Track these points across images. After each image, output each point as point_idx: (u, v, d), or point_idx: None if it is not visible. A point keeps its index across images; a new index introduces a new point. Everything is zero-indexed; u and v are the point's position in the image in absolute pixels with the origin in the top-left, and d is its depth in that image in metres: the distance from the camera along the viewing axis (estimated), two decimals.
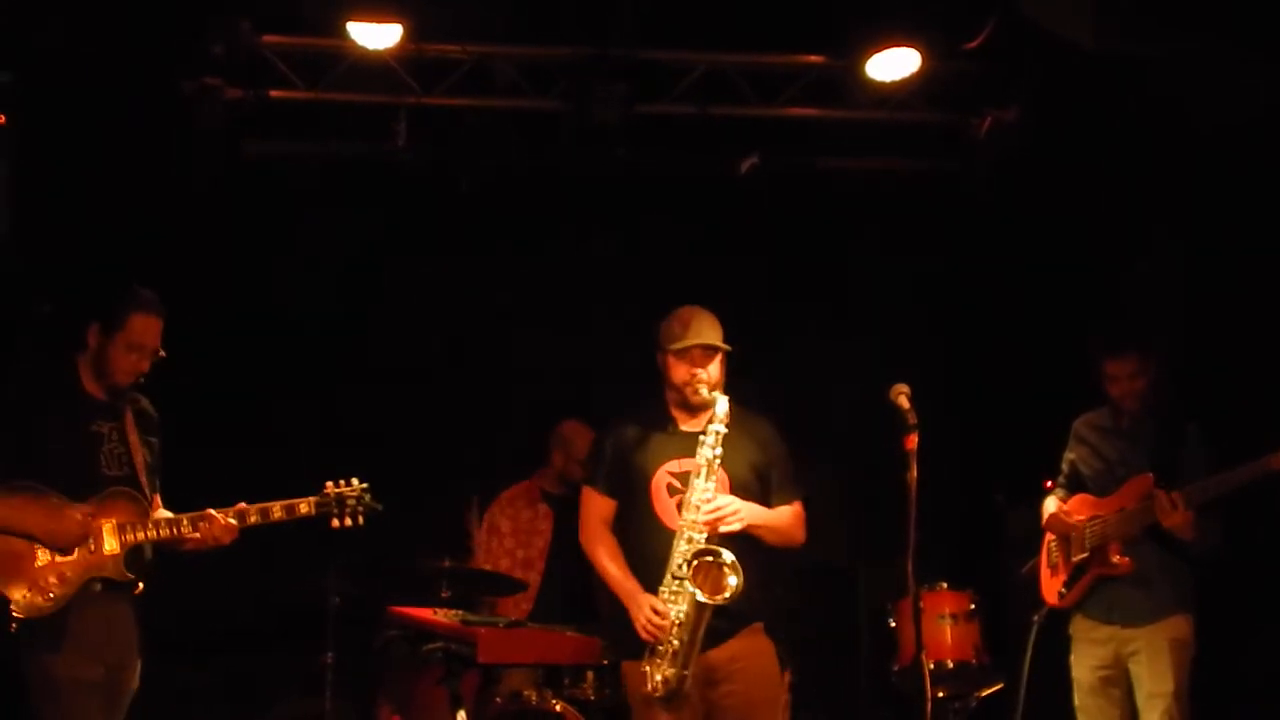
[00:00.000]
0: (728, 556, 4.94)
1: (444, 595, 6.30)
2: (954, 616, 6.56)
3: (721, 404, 5.08)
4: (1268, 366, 6.39)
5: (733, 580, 4.91)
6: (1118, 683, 5.62)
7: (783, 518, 5.27)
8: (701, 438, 5.09)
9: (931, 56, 7.02)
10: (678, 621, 4.95)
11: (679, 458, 5.18)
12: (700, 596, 4.89)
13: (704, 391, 5.14)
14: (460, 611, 5.84)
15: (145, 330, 5.02)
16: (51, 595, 4.81)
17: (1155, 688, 5.49)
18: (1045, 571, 5.88)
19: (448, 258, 7.83)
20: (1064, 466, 5.94)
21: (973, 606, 6.59)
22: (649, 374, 7.54)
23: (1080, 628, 5.74)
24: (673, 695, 4.97)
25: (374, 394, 7.57)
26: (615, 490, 5.29)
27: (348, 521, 5.32)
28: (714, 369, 5.19)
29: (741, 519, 5.06)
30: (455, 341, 7.83)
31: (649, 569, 5.10)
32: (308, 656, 6.52)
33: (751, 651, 5.17)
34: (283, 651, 6.98)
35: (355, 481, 5.36)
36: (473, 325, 7.84)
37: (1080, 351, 5.78)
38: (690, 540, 5.00)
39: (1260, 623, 6.42)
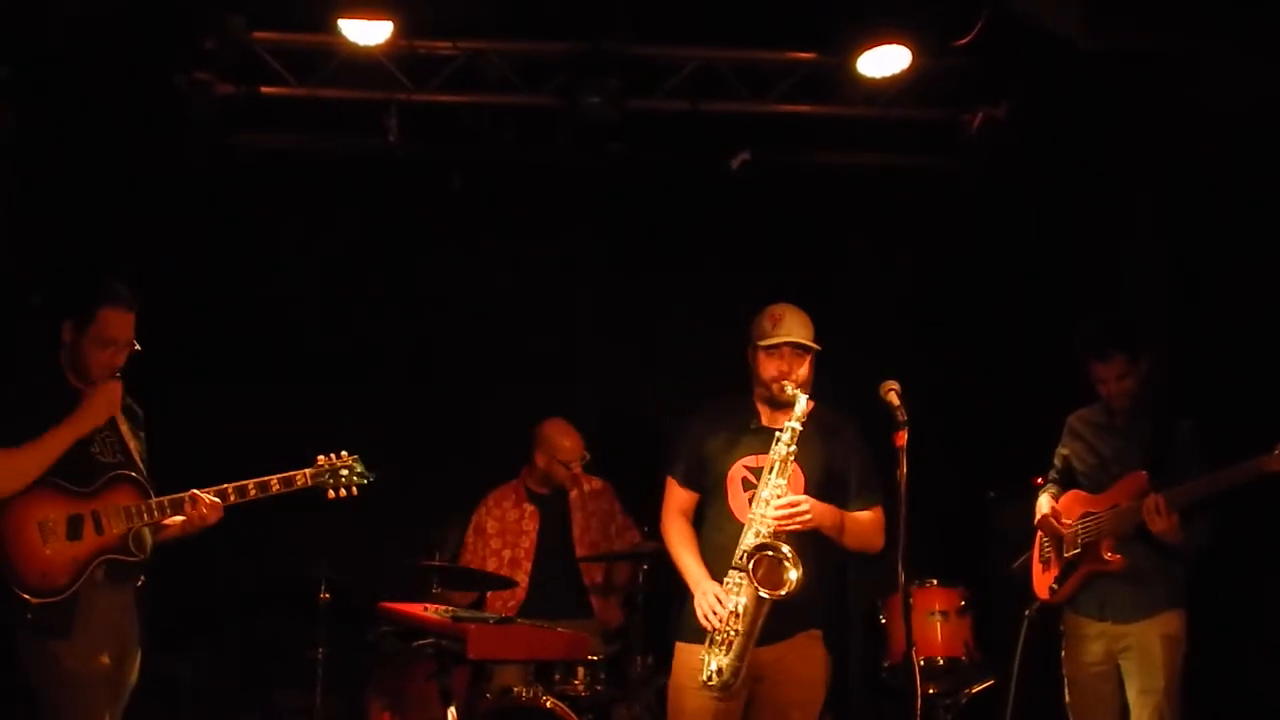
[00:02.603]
0: (787, 551, 4.92)
1: (434, 591, 6.31)
2: (944, 613, 6.56)
3: (801, 402, 5.06)
4: (1260, 364, 6.39)
5: (793, 575, 4.89)
6: (1109, 679, 5.62)
7: (858, 522, 5.24)
8: (778, 434, 5.08)
9: (922, 53, 7.02)
10: (736, 613, 4.95)
11: (757, 453, 5.18)
12: (762, 592, 4.88)
13: (789, 389, 5.12)
14: (451, 608, 5.85)
15: (116, 325, 4.99)
16: (64, 579, 4.81)
17: (1146, 684, 5.49)
18: (1037, 567, 5.88)
19: (437, 253, 7.82)
20: (1056, 461, 5.94)
21: (963, 603, 6.59)
22: (642, 370, 7.58)
23: (1072, 624, 5.74)
24: (726, 686, 4.97)
25: (360, 390, 7.56)
26: (693, 482, 5.32)
27: (342, 493, 5.36)
28: (803, 370, 5.19)
29: (809, 519, 5.03)
30: (443, 337, 7.81)
31: (720, 559, 5.09)
32: (298, 651, 6.51)
33: (800, 654, 5.17)
34: (274, 646, 6.98)
35: (345, 454, 5.40)
36: (461, 321, 7.83)
37: (1069, 348, 5.79)
38: (757, 534, 5.00)
39: (1252, 619, 6.43)
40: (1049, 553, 5.82)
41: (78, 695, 4.83)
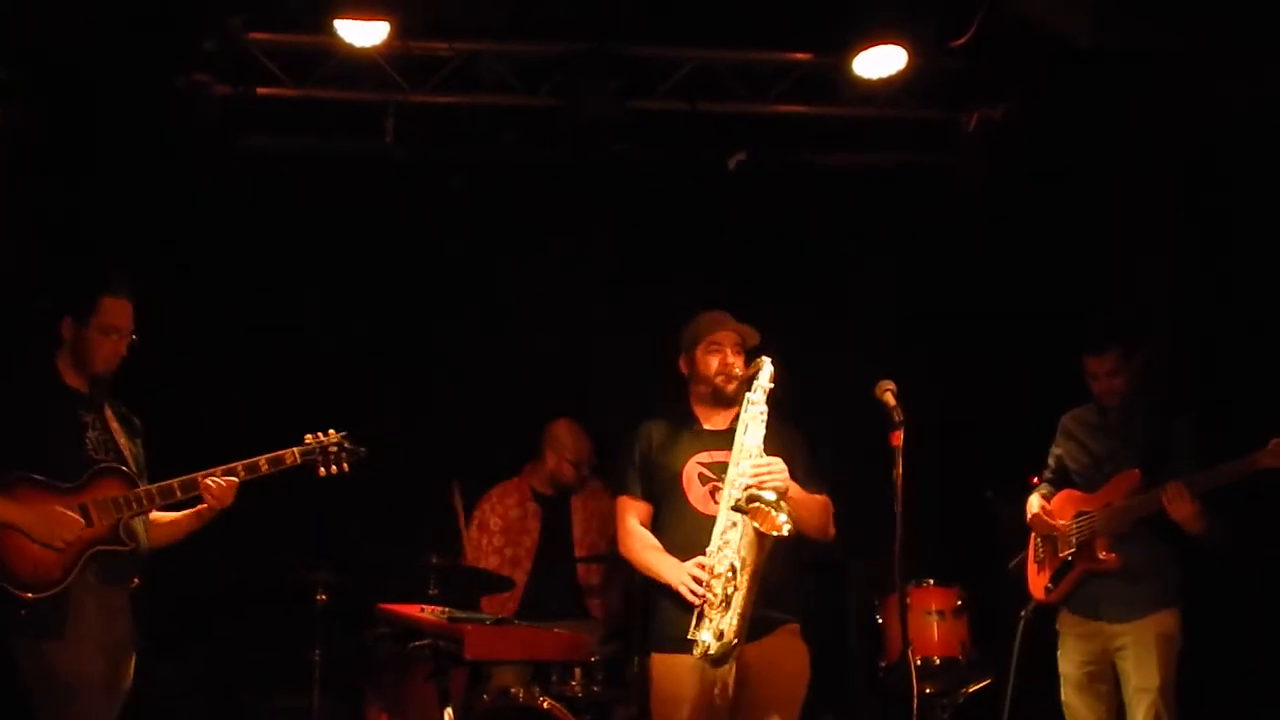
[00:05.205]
0: (773, 496, 4.82)
1: (431, 592, 6.30)
2: (941, 613, 6.55)
3: (767, 366, 5.11)
4: (1256, 361, 6.39)
5: (782, 518, 4.75)
6: (1105, 678, 5.64)
7: (816, 501, 5.23)
8: (749, 395, 5.09)
9: (918, 54, 7.03)
10: (735, 567, 4.85)
11: (709, 449, 5.20)
12: (763, 528, 4.74)
13: (738, 370, 5.21)
14: (447, 609, 5.84)
15: (116, 312, 5.04)
16: (57, 572, 4.82)
17: (1142, 683, 5.51)
18: (1032, 567, 5.89)
19: (434, 254, 7.82)
20: (1050, 461, 5.95)
21: (960, 603, 6.58)
22: (639, 370, 7.56)
23: (1067, 623, 5.76)
24: (728, 651, 4.83)
25: (363, 389, 7.55)
26: (648, 493, 5.30)
27: (333, 469, 5.34)
28: (743, 363, 5.25)
29: (785, 475, 4.99)
30: (445, 338, 7.82)
31: (684, 556, 5.06)
32: (295, 653, 6.50)
33: (784, 651, 5.13)
34: (270, 648, 6.98)
35: (333, 431, 5.39)
36: (463, 321, 7.84)
37: (1067, 348, 5.79)
38: (736, 485, 4.96)
39: (1247, 617, 6.43)
40: (1044, 553, 5.83)
41: (71, 701, 4.83)
